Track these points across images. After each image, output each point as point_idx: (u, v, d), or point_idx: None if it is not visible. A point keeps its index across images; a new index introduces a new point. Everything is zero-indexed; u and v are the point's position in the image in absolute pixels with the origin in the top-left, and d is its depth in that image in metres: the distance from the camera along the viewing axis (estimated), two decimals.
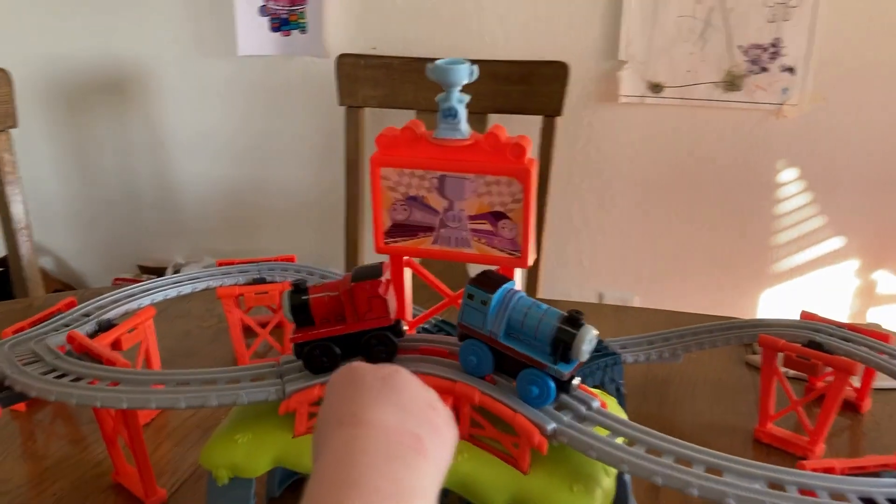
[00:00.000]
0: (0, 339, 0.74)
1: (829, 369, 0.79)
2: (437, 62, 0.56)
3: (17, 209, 1.47)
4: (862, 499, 0.49)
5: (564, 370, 0.53)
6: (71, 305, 0.85)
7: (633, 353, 0.87)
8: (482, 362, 0.56)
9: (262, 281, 0.96)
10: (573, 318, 0.53)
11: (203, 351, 1.04)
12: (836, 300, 1.71)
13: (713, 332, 0.88)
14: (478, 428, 0.55)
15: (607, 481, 0.54)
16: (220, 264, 0.99)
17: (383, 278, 0.58)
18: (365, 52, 1.65)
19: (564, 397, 0.55)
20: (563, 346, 0.52)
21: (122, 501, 0.73)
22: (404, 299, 0.64)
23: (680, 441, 0.52)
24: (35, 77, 1.89)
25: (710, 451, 0.52)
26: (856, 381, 0.89)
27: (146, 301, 0.89)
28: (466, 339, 0.56)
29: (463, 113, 0.57)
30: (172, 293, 0.91)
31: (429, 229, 0.61)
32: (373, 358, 0.58)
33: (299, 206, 1.92)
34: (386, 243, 0.62)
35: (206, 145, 1.93)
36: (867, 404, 0.90)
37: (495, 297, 0.54)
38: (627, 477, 0.64)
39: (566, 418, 0.54)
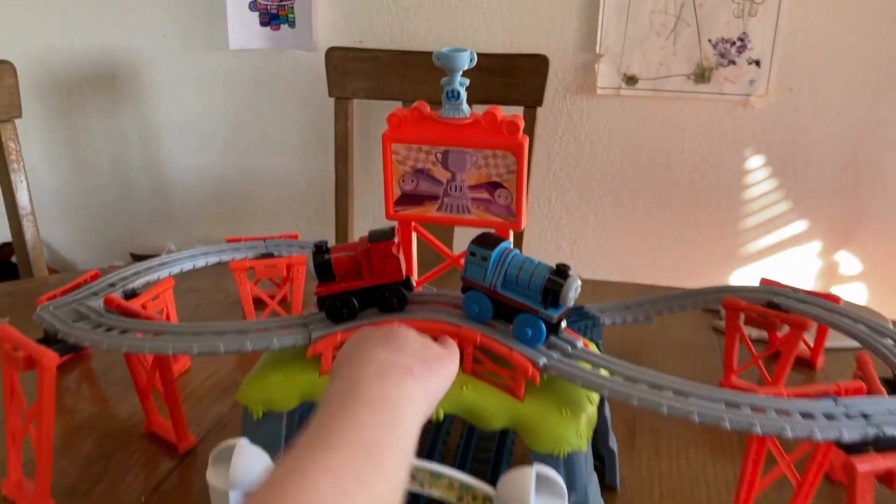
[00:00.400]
0: (39, 306, 0.82)
1: (786, 327, 0.89)
2: (443, 50, 0.65)
3: (22, 195, 1.53)
4: (803, 414, 0.58)
5: (554, 314, 0.62)
6: (95, 277, 0.93)
7: (611, 316, 0.95)
8: (483, 310, 0.65)
9: (269, 255, 1.03)
10: (561, 271, 0.62)
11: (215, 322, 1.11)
12: (801, 280, 1.82)
13: (683, 298, 0.97)
14: (479, 365, 0.64)
15: (591, 408, 0.63)
16: (229, 241, 1.06)
17: (396, 240, 0.66)
18: (352, 46, 1.73)
19: (554, 339, 0.64)
20: (552, 294, 0.61)
21: (157, 447, 0.81)
22: (412, 260, 0.72)
23: (652, 371, 0.61)
24: (27, 70, 1.94)
25: (678, 378, 0.61)
26: (811, 341, 0.99)
27: (164, 273, 0.96)
28: (469, 291, 0.65)
29: (464, 94, 0.66)
30: (188, 266, 0.99)
31: (434, 198, 0.69)
32: (386, 308, 0.67)
33: (290, 195, 2.00)
34: (396, 211, 0.71)
35: (198, 136, 1.99)
36: (820, 361, 0.99)
37: (494, 253, 0.63)
38: (607, 412, 0.73)
39: (555, 355, 0.62)
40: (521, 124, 0.66)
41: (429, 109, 0.68)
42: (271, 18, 1.89)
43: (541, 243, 1.89)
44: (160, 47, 1.93)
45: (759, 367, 0.91)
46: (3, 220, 1.53)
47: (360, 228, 1.92)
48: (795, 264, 1.80)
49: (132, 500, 0.73)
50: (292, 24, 1.88)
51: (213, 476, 0.55)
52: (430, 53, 1.87)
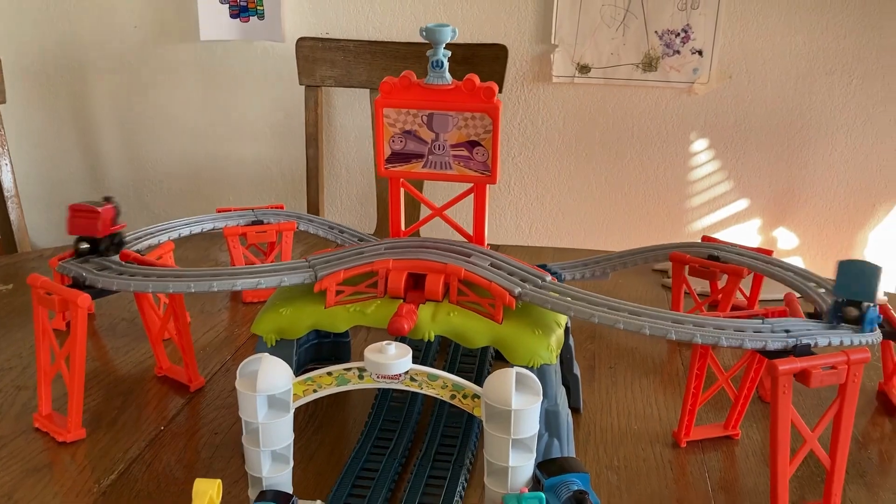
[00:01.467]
0: (57, 265, 0.89)
1: (725, 277, 1.01)
2: (428, 25, 0.75)
3: (6, 178, 1.60)
4: (735, 329, 0.69)
5: None
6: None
7: (571, 272, 1.06)
8: None
9: (259, 223, 1.13)
10: None
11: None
12: None
13: (634, 255, 1.08)
14: (463, 296, 0.74)
15: (559, 330, 0.73)
16: (220, 211, 1.15)
17: (100, 208, 0.84)
18: (321, 37, 1.83)
19: (525, 273, 0.75)
20: None
21: (168, 387, 0.90)
22: (399, 213, 0.83)
23: (610, 298, 0.72)
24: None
25: (632, 303, 0.72)
26: (748, 292, 1.11)
27: (164, 237, 1.04)
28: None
29: (447, 64, 0.76)
30: (186, 231, 1.07)
31: (420, 156, 0.80)
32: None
33: (262, 181, 2.08)
34: (386, 168, 0.81)
35: (171, 125, 2.06)
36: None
37: None
38: (571, 342, 0.84)
39: (528, 286, 0.73)
40: (497, 89, 0.76)
41: (416, 78, 0.78)
42: (241, 10, 1.97)
43: (501, 223, 2.00)
44: (132, 38, 1.99)
45: (702, 311, 1.02)
46: None
47: (330, 212, 2.02)
48: (738, 239, 1.93)
49: (152, 428, 0.82)
50: (261, 17, 1.96)
51: (241, 384, 0.64)
52: (394, 44, 1.97)
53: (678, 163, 1.91)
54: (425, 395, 0.86)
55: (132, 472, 0.75)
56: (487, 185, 0.81)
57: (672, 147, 1.90)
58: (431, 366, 0.87)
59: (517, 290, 0.72)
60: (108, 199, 0.90)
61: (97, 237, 0.87)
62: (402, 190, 0.82)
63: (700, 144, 1.89)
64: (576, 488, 0.62)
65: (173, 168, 2.10)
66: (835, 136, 1.84)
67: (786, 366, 0.66)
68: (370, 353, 0.63)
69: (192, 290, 0.75)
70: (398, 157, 0.80)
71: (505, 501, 0.61)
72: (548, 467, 0.64)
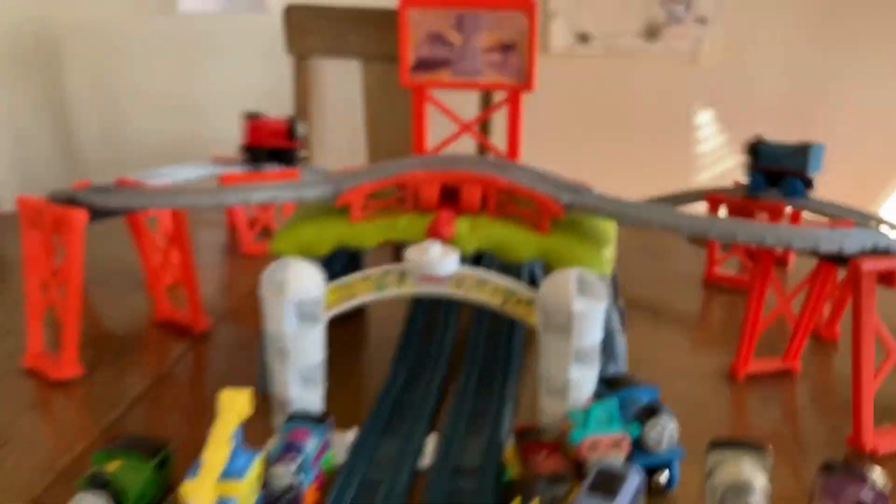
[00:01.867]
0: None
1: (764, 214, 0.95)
2: None
3: None
4: (806, 234, 0.63)
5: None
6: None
7: None
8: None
9: (260, 170, 1.06)
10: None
11: (206, 237, 1.14)
12: None
13: (666, 200, 1.03)
14: (502, 209, 0.67)
15: (609, 243, 0.66)
16: (216, 160, 1.08)
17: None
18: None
19: (569, 184, 0.68)
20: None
21: (172, 332, 0.82)
22: (423, 129, 0.76)
23: (664, 207, 0.66)
24: None
25: (689, 212, 0.65)
26: None
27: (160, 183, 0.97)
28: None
29: None
30: (181, 176, 1.00)
31: (447, 63, 0.73)
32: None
33: None
34: (411, 77, 0.74)
35: (150, 103, 1.98)
36: (792, 259, 1.06)
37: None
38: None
39: (574, 196, 0.66)
40: None
41: None
42: None
43: None
44: (107, 12, 1.91)
45: (741, 252, 0.97)
46: None
47: None
48: None
49: (155, 369, 0.74)
50: None
51: (268, 291, 0.57)
52: (387, 12, 1.89)
53: (683, 136, 1.86)
54: (457, 326, 0.79)
55: (135, 412, 0.67)
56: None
57: (676, 119, 1.85)
58: None
59: (565, 197, 0.65)
60: (289, 119, 1.09)
61: (251, 146, 1.09)
62: (426, 104, 0.75)
63: (706, 117, 1.84)
64: (647, 400, 0.55)
65: (155, 147, 2.01)
66: (844, 106, 1.79)
67: (870, 265, 0.59)
68: (412, 253, 0.56)
69: (205, 203, 0.67)
70: (424, 65, 0.73)
71: (570, 417, 0.54)
72: (611, 382, 0.58)
